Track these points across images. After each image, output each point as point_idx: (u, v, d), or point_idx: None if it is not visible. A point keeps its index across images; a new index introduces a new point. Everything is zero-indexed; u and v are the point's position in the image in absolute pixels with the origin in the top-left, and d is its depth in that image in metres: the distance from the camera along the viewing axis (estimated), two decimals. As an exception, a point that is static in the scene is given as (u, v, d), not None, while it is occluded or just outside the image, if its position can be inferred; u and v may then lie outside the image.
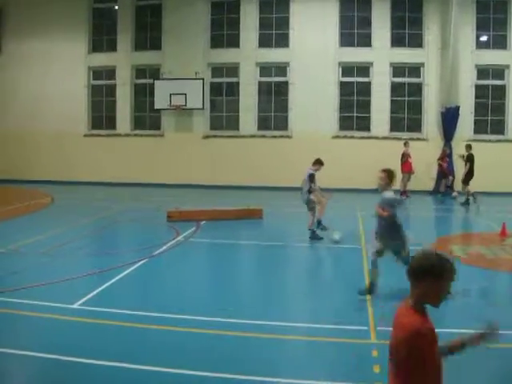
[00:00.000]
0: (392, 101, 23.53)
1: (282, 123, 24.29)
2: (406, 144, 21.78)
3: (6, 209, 18.32)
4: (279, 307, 8.78)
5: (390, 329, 3.53)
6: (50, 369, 6.44)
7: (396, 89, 23.60)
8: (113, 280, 9.95)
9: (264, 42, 24.18)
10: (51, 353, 6.70)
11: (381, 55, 23.21)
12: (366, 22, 23.45)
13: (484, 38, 23.16)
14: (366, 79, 23.68)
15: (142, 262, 11.31)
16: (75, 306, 8.53)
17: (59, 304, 8.56)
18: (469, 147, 20.16)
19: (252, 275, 11.39)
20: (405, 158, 21.59)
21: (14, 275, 10.24)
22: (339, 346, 7.22)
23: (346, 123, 23.91)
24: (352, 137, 23.51)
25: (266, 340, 7.33)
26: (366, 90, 23.71)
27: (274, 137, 23.93)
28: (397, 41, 23.35)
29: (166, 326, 7.68)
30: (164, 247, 12.65)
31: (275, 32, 24.18)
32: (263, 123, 24.53)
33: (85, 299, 8.83)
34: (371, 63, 23.39)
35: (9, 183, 25.35)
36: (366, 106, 23.71)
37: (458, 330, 6.42)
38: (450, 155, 22.44)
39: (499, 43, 22.91)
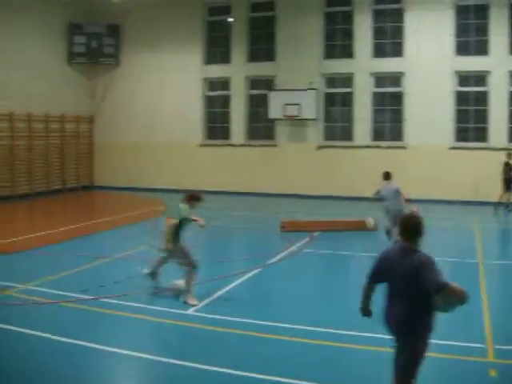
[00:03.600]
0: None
1: (396, 134, 25.05)
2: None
3: (122, 216, 20.27)
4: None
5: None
6: (164, 371, 7.21)
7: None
8: (227, 288, 10.82)
9: (378, 51, 25.07)
10: (165, 356, 7.47)
11: (498, 63, 23.50)
12: (483, 29, 23.74)
13: None
14: (483, 88, 24.09)
15: (255, 271, 12.21)
16: (190, 312, 9.36)
17: (175, 310, 9.45)
18: None
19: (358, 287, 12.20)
20: None
21: (131, 279, 11.44)
22: (453, 363, 7.40)
23: (462, 134, 24.34)
24: (469, 148, 23.96)
25: (378, 353, 7.56)
26: (482, 99, 24.05)
27: (389, 147, 24.78)
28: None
29: (279, 335, 8.26)
30: (277, 257, 13.52)
31: (389, 41, 25.05)
32: (377, 134, 25.36)
33: (199, 306, 9.63)
34: (488, 72, 23.78)
35: (123, 191, 27.77)
36: (482, 116, 24.08)
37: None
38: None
39: None
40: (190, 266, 10.13)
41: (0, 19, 24.72)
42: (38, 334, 8.38)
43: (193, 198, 10.54)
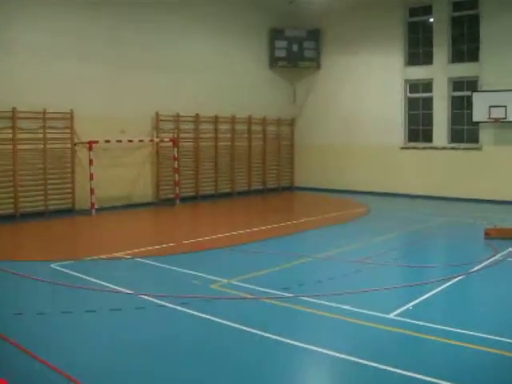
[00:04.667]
0: None
1: None
2: None
3: (322, 216, 20.95)
4: None
5: None
6: (355, 371, 7.37)
7: None
8: (427, 294, 10.80)
9: None
10: (360, 357, 7.64)
11: None
12: None
13: None
14: None
15: (457, 278, 12.07)
16: (391, 315, 9.46)
17: (375, 312, 9.56)
18: None
19: None
20: None
21: (331, 280, 11.84)
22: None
23: None
24: None
25: None
26: None
27: None
28: None
29: (479, 345, 8.16)
30: (480, 265, 13.28)
31: None
32: None
33: (399, 310, 9.72)
34: None
35: (323, 192, 28.89)
36: None
37: None
38: None
39: None
40: None
41: (212, 30, 26.86)
42: (243, 328, 8.99)
43: None
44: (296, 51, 30.09)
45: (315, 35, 30.21)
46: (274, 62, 30.04)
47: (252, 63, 29.01)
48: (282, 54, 29.98)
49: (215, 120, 26.97)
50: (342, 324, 9.30)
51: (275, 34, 29.81)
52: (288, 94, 31.14)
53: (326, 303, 10.21)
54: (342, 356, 7.80)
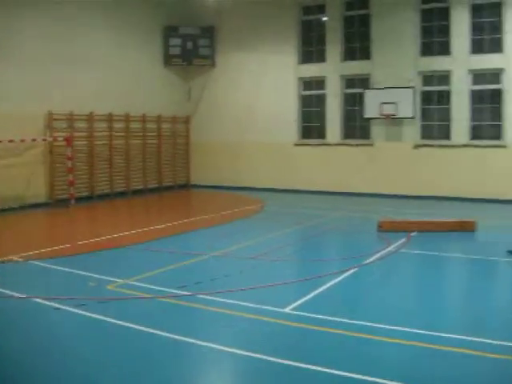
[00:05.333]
0: None
1: (495, 133, 24.64)
2: None
3: (218, 214, 20.81)
4: (494, 323, 9.26)
5: None
6: (255, 368, 7.39)
7: None
8: (323, 287, 10.99)
9: (476, 47, 24.73)
10: (258, 352, 7.70)
11: None
12: None
13: None
14: None
15: (351, 271, 12.34)
16: (287, 310, 9.58)
17: (272, 307, 9.66)
18: None
19: (457, 289, 11.99)
20: None
21: (228, 277, 11.85)
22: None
23: None
24: None
25: (456, 355, 7.67)
26: None
27: (488, 146, 24.45)
28: None
29: (378, 336, 8.38)
30: (374, 257, 13.64)
31: (488, 37, 24.66)
32: (476, 133, 25.05)
33: (296, 304, 9.86)
34: None
35: (219, 189, 28.89)
36: None
37: None
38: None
39: None
40: None
41: (107, 27, 26.30)
42: (136, 327, 8.91)
43: None
44: (190, 49, 29.96)
45: (210, 33, 30.17)
46: (168, 59, 29.81)
47: (147, 61, 28.68)
48: (176, 51, 29.79)
49: (110, 118, 26.48)
50: (239, 320, 9.30)
51: (169, 31, 29.59)
52: (183, 91, 31.00)
53: (223, 300, 10.23)
54: (241, 352, 7.83)
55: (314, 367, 7.27)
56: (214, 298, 10.38)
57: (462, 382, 6.99)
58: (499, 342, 8.16)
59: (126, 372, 7.38)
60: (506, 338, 8.36)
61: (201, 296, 10.54)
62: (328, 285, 11.29)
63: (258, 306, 9.83)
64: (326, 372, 7.14)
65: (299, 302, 10.10)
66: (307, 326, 8.87)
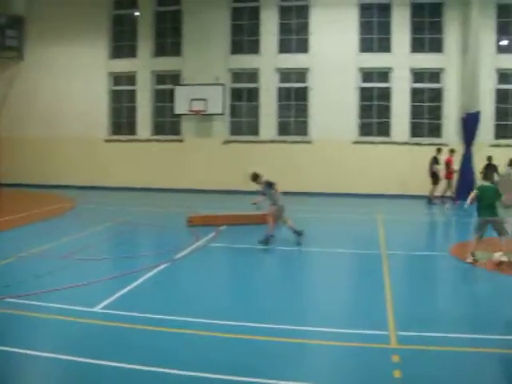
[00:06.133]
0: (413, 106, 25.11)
1: (301, 129, 25.75)
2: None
3: (28, 213, 19.85)
4: (295, 311, 9.58)
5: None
6: (62, 369, 7.21)
7: (416, 94, 25.15)
8: (134, 284, 10.92)
9: (284, 47, 25.72)
10: (68, 354, 7.47)
11: (400, 60, 24.71)
12: (386, 28, 24.89)
13: (505, 43, 24.52)
14: (385, 85, 25.24)
15: (162, 266, 12.34)
16: (96, 309, 9.38)
17: (80, 307, 9.41)
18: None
19: (268, 280, 12.31)
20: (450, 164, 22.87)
21: (37, 279, 11.31)
22: (357, 351, 7.72)
23: (366, 129, 25.44)
24: (372, 142, 25.04)
25: (278, 344, 7.94)
26: (385, 95, 25.22)
27: (294, 142, 25.44)
28: (417, 46, 24.84)
29: (188, 329, 8.42)
30: (184, 252, 13.72)
31: (295, 37, 25.73)
32: (283, 128, 26.05)
33: (106, 303, 9.69)
34: (391, 68, 24.99)
35: (29, 188, 27.34)
36: (385, 111, 25.25)
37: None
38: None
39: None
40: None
41: None
42: None
43: None
44: (-4, 39, 28.28)
45: (18, 23, 28.62)
46: (-30, 50, 27.96)
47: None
48: (-21, 42, 27.93)
49: None
50: (50, 323, 8.98)
51: (-29, 20, 27.85)
52: (-12, 84, 29.40)
53: (34, 303, 9.78)
54: (53, 355, 7.57)
55: (123, 365, 7.21)
56: (24, 301, 9.85)
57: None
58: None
59: None
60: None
61: (10, 300, 9.94)
62: (139, 281, 11.20)
63: (68, 306, 9.51)
64: (133, 369, 7.13)
65: (109, 300, 9.92)
66: (116, 324, 8.79)
